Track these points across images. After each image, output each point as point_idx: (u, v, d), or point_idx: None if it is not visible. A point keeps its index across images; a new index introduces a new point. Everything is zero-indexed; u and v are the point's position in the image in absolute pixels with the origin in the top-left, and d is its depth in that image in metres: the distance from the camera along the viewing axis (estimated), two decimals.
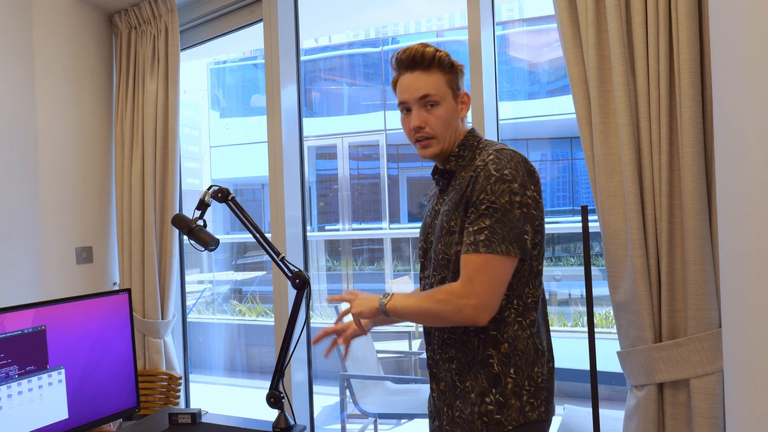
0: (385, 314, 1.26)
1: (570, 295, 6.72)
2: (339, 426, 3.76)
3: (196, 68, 7.79)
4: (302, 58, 2.71)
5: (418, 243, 1.42)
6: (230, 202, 1.78)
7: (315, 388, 2.67)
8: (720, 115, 1.32)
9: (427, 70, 1.27)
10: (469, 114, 1.96)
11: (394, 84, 1.34)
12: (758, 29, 1.08)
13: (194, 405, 2.91)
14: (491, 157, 1.21)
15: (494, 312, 1.16)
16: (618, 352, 1.57)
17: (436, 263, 1.29)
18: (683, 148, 1.42)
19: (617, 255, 1.54)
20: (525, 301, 1.22)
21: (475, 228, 1.16)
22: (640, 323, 1.49)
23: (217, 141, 8.96)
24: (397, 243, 7.80)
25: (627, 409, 1.57)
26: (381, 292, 1.30)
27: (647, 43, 1.47)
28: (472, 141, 1.31)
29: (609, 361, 2.00)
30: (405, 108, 1.31)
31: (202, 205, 1.78)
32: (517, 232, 1.15)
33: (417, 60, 1.27)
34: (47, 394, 1.59)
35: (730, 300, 1.28)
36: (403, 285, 5.90)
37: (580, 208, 1.62)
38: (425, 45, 1.28)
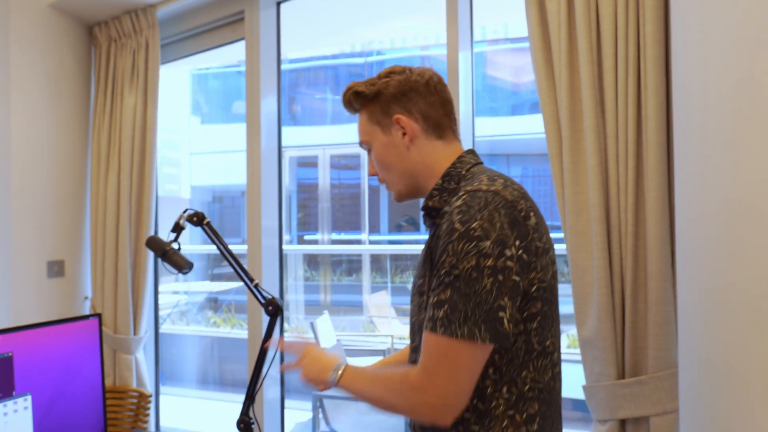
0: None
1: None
2: None
3: (177, 73, 7.73)
4: (287, 66, 2.73)
5: None
6: (205, 227, 1.78)
7: (288, 403, 2.67)
8: (681, 164, 1.37)
9: (357, 113, 1.15)
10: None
11: None
12: (715, 82, 1.13)
13: (165, 421, 2.88)
14: (459, 201, 0.95)
15: (460, 409, 0.92)
16: (583, 386, 1.60)
17: (411, 327, 1.08)
18: (648, 192, 1.47)
19: (584, 292, 1.57)
20: (521, 389, 0.96)
21: (435, 300, 0.92)
22: (604, 359, 1.53)
23: (197, 147, 8.90)
24: (375, 254, 7.80)
25: None
26: (339, 352, 1.16)
27: (617, 88, 1.52)
28: (459, 168, 1.06)
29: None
30: None
31: (177, 228, 1.78)
32: (485, 309, 0.88)
33: (346, 108, 1.17)
34: (12, 422, 1.57)
35: (685, 342, 1.32)
36: (381, 299, 5.89)
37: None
38: (348, 87, 1.14)
